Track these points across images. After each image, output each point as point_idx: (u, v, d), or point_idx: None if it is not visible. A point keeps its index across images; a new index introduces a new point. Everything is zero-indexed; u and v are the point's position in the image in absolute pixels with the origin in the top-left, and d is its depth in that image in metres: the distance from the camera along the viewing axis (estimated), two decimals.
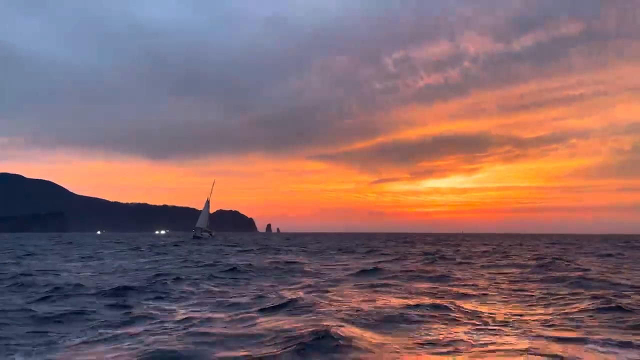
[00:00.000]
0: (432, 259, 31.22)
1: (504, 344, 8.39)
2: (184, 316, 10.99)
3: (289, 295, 13.67)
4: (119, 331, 9.56)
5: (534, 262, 28.23)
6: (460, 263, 28.53)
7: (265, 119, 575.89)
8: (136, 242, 70.78)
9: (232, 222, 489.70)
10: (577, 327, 10.01)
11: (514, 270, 23.95)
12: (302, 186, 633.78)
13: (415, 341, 8.67)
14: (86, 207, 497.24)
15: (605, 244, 73.18)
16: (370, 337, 8.85)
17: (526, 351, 7.82)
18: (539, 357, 7.51)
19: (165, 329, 9.70)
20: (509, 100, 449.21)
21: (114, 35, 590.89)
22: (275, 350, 7.81)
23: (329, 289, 15.89)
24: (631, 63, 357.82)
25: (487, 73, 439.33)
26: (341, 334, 8.57)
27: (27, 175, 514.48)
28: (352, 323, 9.95)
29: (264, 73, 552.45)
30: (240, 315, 10.96)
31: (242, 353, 7.78)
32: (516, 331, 9.46)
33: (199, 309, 12.08)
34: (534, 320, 10.65)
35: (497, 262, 29.89)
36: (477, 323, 10.33)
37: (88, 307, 12.28)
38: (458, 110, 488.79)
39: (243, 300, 13.51)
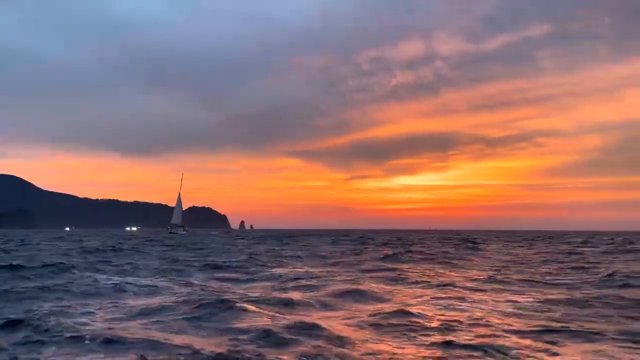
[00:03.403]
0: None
1: None
2: None
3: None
4: None
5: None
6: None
7: (239, 115, 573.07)
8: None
9: (205, 218, 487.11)
10: None
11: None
12: (276, 183, 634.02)
13: None
14: (55, 203, 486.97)
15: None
16: None
17: None
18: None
19: None
20: (479, 99, 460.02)
21: (86, 28, 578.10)
22: None
23: None
24: (599, 65, 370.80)
25: (459, 73, 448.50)
26: None
27: None
28: None
29: (238, 69, 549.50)
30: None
31: None
32: None
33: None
34: None
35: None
36: None
37: None
38: (430, 109, 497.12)
39: None
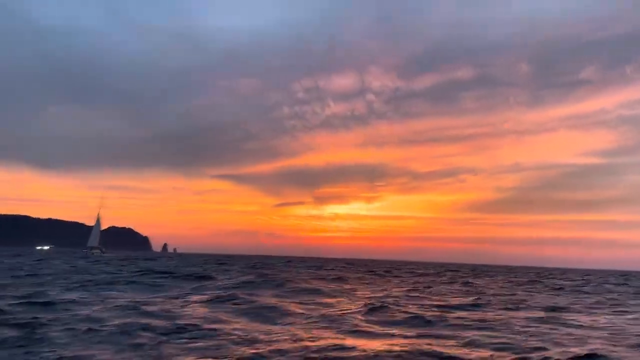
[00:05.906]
0: None
1: None
2: None
3: None
4: None
5: None
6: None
7: (167, 134, 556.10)
8: None
9: (125, 239, 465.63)
10: None
11: None
12: (203, 205, 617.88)
13: None
14: None
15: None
16: None
17: None
18: None
19: None
20: (408, 135, 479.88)
21: (5, 34, 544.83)
22: None
23: None
24: (514, 109, 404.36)
25: (389, 108, 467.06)
26: None
27: None
28: None
29: (169, 88, 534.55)
30: None
31: None
32: None
33: None
34: None
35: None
36: None
37: None
38: (361, 141, 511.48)
39: None
